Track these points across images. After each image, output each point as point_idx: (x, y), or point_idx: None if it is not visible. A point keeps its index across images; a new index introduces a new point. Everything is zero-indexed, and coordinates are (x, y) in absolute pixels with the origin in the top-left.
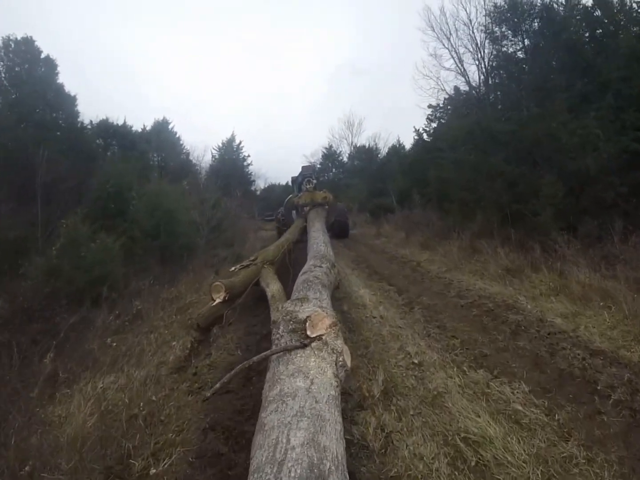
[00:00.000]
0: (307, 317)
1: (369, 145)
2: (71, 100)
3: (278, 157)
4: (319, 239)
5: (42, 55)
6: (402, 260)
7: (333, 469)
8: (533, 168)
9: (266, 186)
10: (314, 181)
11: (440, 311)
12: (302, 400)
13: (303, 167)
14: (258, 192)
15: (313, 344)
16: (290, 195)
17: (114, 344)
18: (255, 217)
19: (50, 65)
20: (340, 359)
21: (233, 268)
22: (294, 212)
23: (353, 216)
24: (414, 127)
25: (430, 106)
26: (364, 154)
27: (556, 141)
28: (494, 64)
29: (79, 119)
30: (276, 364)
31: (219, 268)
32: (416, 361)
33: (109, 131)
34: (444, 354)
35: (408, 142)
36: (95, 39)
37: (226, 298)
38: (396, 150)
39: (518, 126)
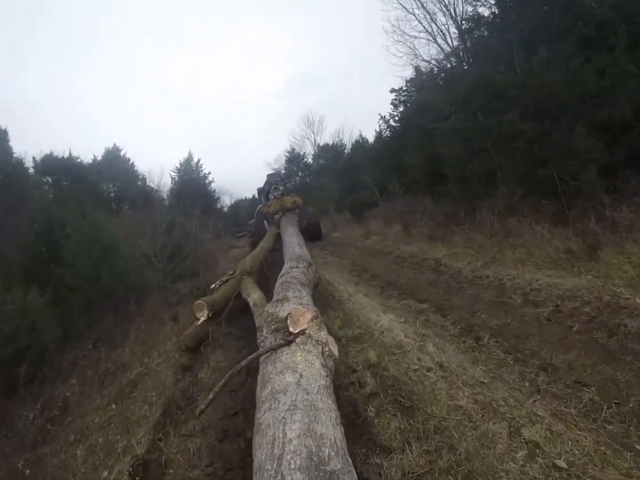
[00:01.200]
0: (288, 314)
1: (333, 141)
2: (1, 135)
3: (240, 173)
4: (293, 242)
5: None
6: (415, 261)
7: (333, 454)
8: (555, 123)
9: (232, 202)
10: (281, 187)
11: (522, 335)
12: (294, 394)
13: (268, 175)
14: (225, 209)
15: (297, 340)
16: (259, 205)
17: (28, 471)
18: (221, 235)
19: None
20: (326, 349)
21: (213, 285)
22: (265, 222)
23: (330, 217)
24: (379, 114)
25: (393, 90)
26: (330, 152)
27: (578, 87)
28: (470, 25)
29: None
30: (265, 365)
31: (180, 309)
32: None
33: (53, 167)
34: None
35: (371, 133)
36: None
37: (210, 315)
38: (360, 144)
39: (528, 75)
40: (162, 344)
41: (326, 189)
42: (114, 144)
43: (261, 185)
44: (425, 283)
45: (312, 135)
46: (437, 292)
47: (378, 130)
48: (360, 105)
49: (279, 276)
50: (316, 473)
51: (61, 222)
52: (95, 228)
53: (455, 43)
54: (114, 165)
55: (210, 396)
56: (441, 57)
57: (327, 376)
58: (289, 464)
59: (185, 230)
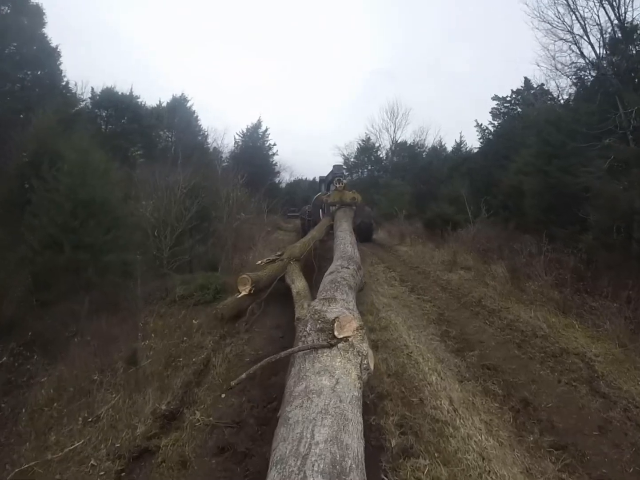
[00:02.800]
0: (336, 317)
1: (413, 140)
2: (52, 54)
3: (306, 154)
4: (346, 240)
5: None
6: (547, 349)
7: (354, 466)
8: None
9: (291, 180)
10: (344, 181)
11: None
12: (327, 399)
13: (334, 166)
14: (283, 185)
15: (339, 345)
16: (319, 193)
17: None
18: (275, 212)
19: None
20: (365, 362)
21: (259, 262)
22: (320, 210)
23: (398, 225)
24: (476, 120)
25: (495, 98)
26: (407, 152)
27: None
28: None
29: (64, 77)
30: (302, 361)
31: (145, 337)
32: None
33: (112, 100)
34: None
35: (450, 142)
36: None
37: (251, 291)
38: (437, 150)
39: None
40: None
41: (397, 191)
42: (182, 93)
43: (324, 174)
44: (591, 427)
45: (392, 127)
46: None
47: (459, 140)
48: (438, 112)
49: (328, 272)
50: None
51: (54, 156)
52: (83, 166)
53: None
54: (177, 113)
55: (243, 375)
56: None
57: (360, 388)
58: (313, 466)
59: (216, 201)
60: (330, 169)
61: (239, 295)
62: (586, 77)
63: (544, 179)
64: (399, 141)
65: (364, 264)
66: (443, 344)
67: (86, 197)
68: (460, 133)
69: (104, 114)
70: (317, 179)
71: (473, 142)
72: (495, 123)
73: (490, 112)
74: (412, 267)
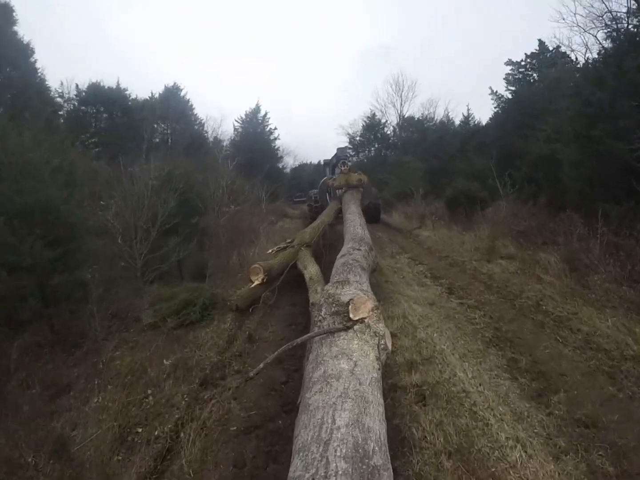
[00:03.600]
0: (350, 299)
1: (422, 114)
2: (25, 51)
3: (309, 136)
4: (355, 222)
5: None
6: (624, 364)
7: (377, 449)
8: None
9: (296, 165)
10: (349, 163)
11: None
12: (347, 382)
13: (338, 149)
14: (287, 171)
15: (355, 327)
16: (325, 177)
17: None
18: (281, 199)
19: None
20: (382, 342)
21: (270, 250)
22: (327, 194)
23: (415, 206)
24: (490, 87)
25: (509, 62)
26: (415, 126)
27: None
28: None
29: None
30: (319, 346)
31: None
32: None
33: (98, 96)
34: None
35: (458, 114)
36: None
37: (264, 280)
38: (445, 125)
39: None
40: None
41: (408, 168)
42: (174, 82)
43: (329, 157)
44: None
45: (398, 100)
46: None
47: (466, 113)
48: (441, 85)
49: (340, 255)
50: (360, 465)
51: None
52: (20, 171)
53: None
54: (171, 104)
55: (261, 365)
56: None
57: (379, 369)
58: (335, 451)
59: (204, 191)
60: (334, 151)
61: (252, 285)
62: (623, 29)
63: (587, 146)
64: (406, 116)
65: (383, 255)
66: (514, 382)
67: (25, 205)
68: (468, 106)
69: (92, 110)
70: (322, 162)
71: (481, 114)
72: (511, 90)
73: (504, 79)
74: (441, 257)
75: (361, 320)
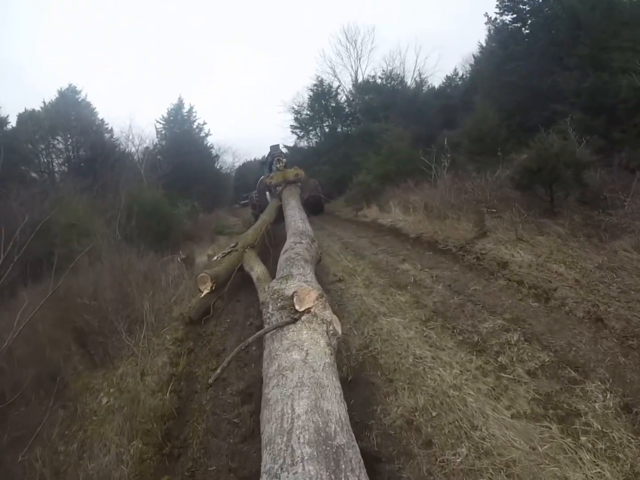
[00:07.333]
0: (294, 292)
1: (383, 70)
2: None
3: (249, 130)
4: (295, 216)
5: None
6: None
7: (338, 429)
8: None
9: (238, 164)
10: (284, 159)
11: None
12: (301, 372)
13: (271, 147)
14: (224, 170)
15: (303, 318)
16: (261, 177)
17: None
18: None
19: None
20: (331, 327)
21: (215, 257)
22: (267, 193)
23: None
24: (485, 14)
25: None
26: (376, 90)
27: None
28: None
29: None
30: (271, 342)
31: None
32: None
33: None
34: None
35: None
36: None
37: (213, 288)
38: (418, 84)
39: None
40: None
41: (394, 133)
42: (70, 84)
43: (264, 155)
44: None
45: (354, 54)
46: None
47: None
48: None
49: (283, 251)
50: (324, 447)
51: None
52: None
53: None
54: (68, 111)
55: (218, 371)
56: None
57: (331, 354)
58: (299, 439)
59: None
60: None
61: (202, 295)
62: None
63: None
64: (365, 76)
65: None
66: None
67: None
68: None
69: None
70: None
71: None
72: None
73: (496, 6)
74: None
75: (307, 311)
